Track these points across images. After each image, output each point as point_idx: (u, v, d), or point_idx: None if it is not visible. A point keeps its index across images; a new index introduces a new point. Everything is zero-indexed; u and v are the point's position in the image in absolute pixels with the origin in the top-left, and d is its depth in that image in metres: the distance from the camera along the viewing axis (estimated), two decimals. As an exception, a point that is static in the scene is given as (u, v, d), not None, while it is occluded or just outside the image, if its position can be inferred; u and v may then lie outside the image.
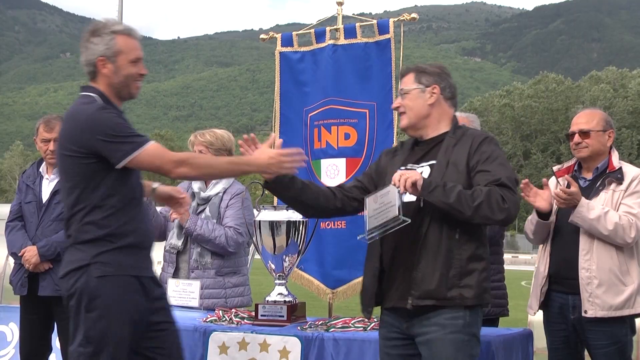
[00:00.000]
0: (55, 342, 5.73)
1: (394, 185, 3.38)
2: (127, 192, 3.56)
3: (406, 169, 3.65)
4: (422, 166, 3.62)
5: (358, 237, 3.58)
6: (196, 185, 5.32)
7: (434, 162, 3.59)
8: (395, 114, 4.95)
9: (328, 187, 3.91)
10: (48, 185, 5.61)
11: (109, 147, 3.46)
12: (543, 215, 4.54)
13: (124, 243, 3.52)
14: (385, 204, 3.41)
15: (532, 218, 4.62)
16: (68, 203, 3.59)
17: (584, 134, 4.61)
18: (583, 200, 4.39)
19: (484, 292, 3.52)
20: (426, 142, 3.71)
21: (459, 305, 3.46)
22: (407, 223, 3.38)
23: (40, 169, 5.67)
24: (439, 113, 3.69)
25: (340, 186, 3.94)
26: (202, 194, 5.26)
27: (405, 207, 3.44)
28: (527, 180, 4.61)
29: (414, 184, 3.36)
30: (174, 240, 5.25)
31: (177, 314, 4.56)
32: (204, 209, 5.24)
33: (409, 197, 3.52)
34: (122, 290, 3.49)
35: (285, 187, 3.71)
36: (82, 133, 3.48)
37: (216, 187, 5.26)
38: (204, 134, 5.35)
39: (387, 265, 3.62)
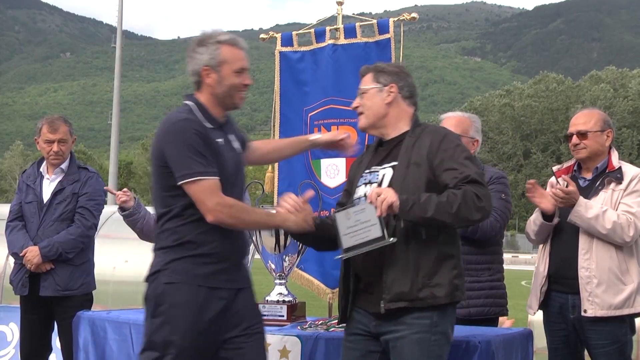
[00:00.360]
0: (56, 342, 5.73)
1: (370, 203, 3.34)
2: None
3: (370, 172, 3.65)
4: (385, 168, 3.60)
5: (335, 258, 3.55)
6: None
7: (395, 163, 3.57)
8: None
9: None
10: (49, 185, 5.60)
11: (172, 162, 3.44)
12: (547, 216, 4.54)
13: (199, 252, 3.46)
14: (363, 222, 3.36)
15: (536, 219, 4.62)
16: (155, 209, 3.62)
17: (582, 135, 4.61)
18: (581, 199, 4.40)
19: (456, 290, 3.49)
20: (388, 142, 3.70)
21: (431, 305, 3.43)
22: (393, 242, 3.35)
23: (41, 169, 5.67)
24: (397, 112, 3.68)
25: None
26: None
27: None
28: (534, 181, 4.60)
29: (390, 206, 3.32)
30: None
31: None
32: None
33: None
34: (188, 298, 3.43)
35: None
36: (162, 139, 3.49)
37: None
38: None
39: (359, 270, 3.61)
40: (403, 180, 3.48)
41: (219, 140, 3.54)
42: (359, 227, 3.37)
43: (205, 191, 3.41)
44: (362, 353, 3.61)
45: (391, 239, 3.33)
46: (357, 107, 3.74)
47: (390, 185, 3.51)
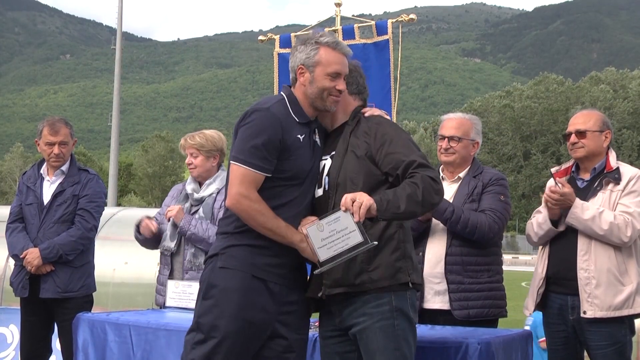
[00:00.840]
0: (55, 344, 5.73)
1: (345, 210, 3.30)
2: (274, 198, 3.50)
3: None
4: (325, 158, 3.63)
5: (314, 272, 3.47)
6: (190, 187, 5.32)
7: (334, 152, 3.61)
8: (394, 114, 4.96)
9: None
10: (49, 187, 5.61)
11: (236, 141, 3.53)
12: (554, 222, 4.54)
13: (259, 243, 3.49)
14: (340, 231, 3.32)
15: (542, 223, 4.61)
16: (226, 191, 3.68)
17: (580, 134, 4.62)
18: (577, 201, 4.40)
19: (397, 272, 3.47)
20: (331, 134, 3.72)
21: (369, 289, 3.44)
22: (374, 245, 3.32)
23: (41, 171, 5.67)
24: (341, 106, 3.69)
25: None
26: (196, 195, 5.25)
27: (316, 201, 3.53)
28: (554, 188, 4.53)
29: (369, 210, 3.28)
30: (167, 242, 5.24)
31: (177, 316, 4.57)
32: (198, 209, 5.24)
33: (318, 192, 3.56)
34: (239, 285, 3.45)
35: None
36: (241, 120, 3.57)
37: (210, 188, 5.25)
38: (193, 136, 5.32)
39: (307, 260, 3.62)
40: (340, 168, 3.51)
41: (300, 135, 3.56)
42: (335, 237, 3.33)
43: (238, 177, 3.46)
44: (340, 357, 3.61)
45: (374, 242, 3.31)
46: None
47: (328, 174, 3.56)
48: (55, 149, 5.54)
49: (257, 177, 3.46)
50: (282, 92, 3.67)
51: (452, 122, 4.86)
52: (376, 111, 3.73)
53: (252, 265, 3.48)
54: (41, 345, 5.61)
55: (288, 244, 3.48)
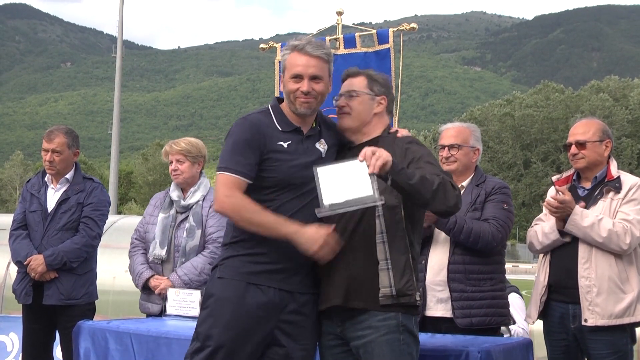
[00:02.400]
0: (55, 352, 5.72)
1: (362, 160, 3.25)
2: (266, 204, 3.50)
3: None
4: None
5: (317, 214, 3.33)
6: (174, 194, 5.34)
7: None
8: (395, 122, 4.96)
9: None
10: (54, 194, 5.63)
11: (220, 152, 3.59)
12: (563, 232, 4.53)
13: (254, 251, 3.53)
14: (351, 180, 3.25)
15: (549, 233, 4.61)
16: None
17: (580, 145, 4.63)
18: (577, 208, 4.41)
19: (408, 294, 3.48)
20: (358, 147, 3.64)
21: (381, 309, 3.44)
22: (382, 203, 3.28)
23: (46, 179, 5.70)
24: (378, 122, 3.73)
25: None
26: (182, 202, 5.28)
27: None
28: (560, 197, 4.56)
29: (384, 165, 3.25)
30: (158, 249, 5.24)
31: (178, 324, 4.57)
32: (186, 217, 5.26)
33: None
34: (233, 294, 3.49)
35: None
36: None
37: (195, 195, 5.29)
38: (178, 142, 5.36)
39: (321, 267, 3.59)
40: None
41: (283, 143, 3.57)
42: (346, 184, 3.27)
43: (220, 183, 3.51)
44: None
45: (381, 200, 3.25)
46: (343, 106, 3.74)
47: None
48: (47, 156, 5.59)
49: (238, 181, 3.50)
50: (269, 104, 3.70)
51: (450, 131, 4.88)
52: (404, 132, 3.76)
53: (247, 273, 3.52)
54: (43, 353, 5.61)
55: (282, 237, 3.43)
